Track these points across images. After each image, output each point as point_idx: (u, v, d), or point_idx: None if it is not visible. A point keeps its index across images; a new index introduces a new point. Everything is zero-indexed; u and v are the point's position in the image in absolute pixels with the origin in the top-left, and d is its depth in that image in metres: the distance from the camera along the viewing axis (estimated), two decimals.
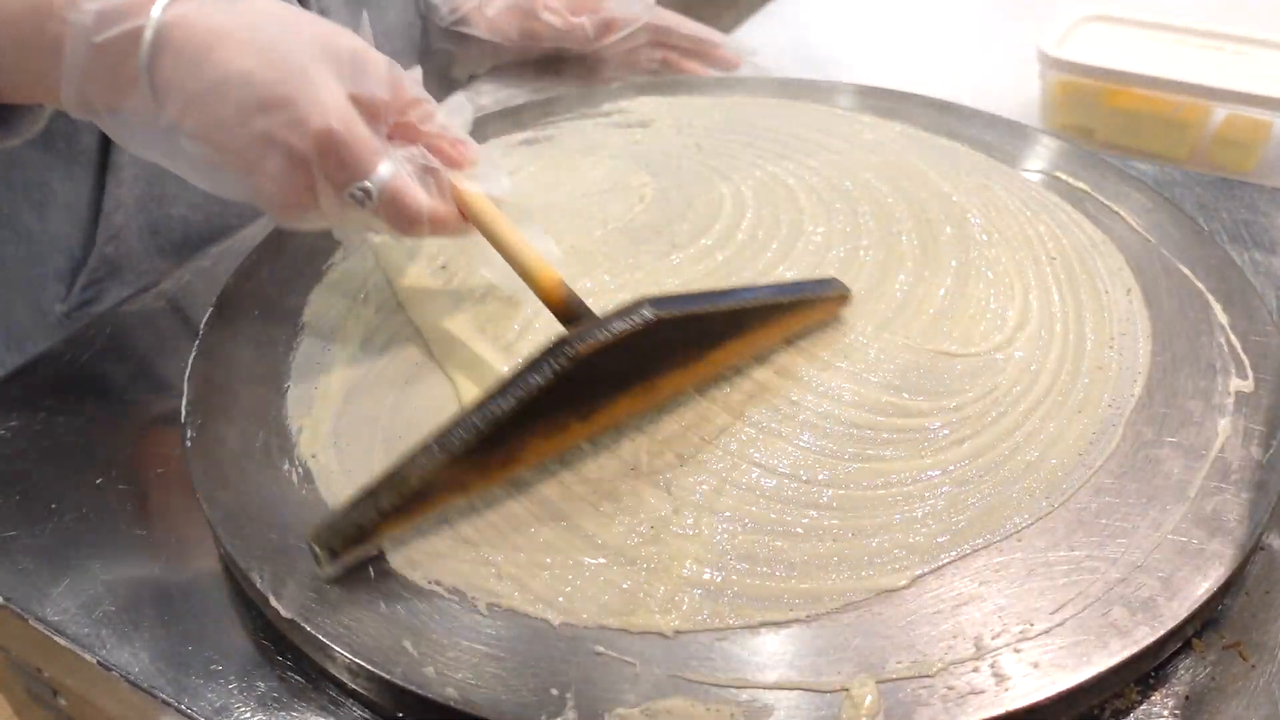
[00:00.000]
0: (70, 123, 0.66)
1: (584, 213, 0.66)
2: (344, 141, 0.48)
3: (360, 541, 0.43)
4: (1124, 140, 0.88)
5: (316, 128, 0.47)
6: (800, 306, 0.54)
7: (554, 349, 0.45)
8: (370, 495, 0.44)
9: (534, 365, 0.45)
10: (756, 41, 1.04)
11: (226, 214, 0.76)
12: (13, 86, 0.52)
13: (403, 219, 0.51)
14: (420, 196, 0.51)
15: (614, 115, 0.78)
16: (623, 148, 0.73)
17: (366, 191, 0.49)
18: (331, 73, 0.49)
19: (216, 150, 0.49)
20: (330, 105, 0.48)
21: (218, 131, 0.48)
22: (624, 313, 0.46)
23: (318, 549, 0.43)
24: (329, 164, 0.48)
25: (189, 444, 0.51)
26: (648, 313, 0.46)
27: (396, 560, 0.44)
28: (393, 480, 0.44)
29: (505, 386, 0.45)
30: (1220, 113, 0.84)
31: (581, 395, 0.47)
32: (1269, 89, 0.81)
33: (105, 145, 0.69)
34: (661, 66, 0.89)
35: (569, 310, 0.50)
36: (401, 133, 0.53)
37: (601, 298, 0.58)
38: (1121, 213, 0.63)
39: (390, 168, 0.50)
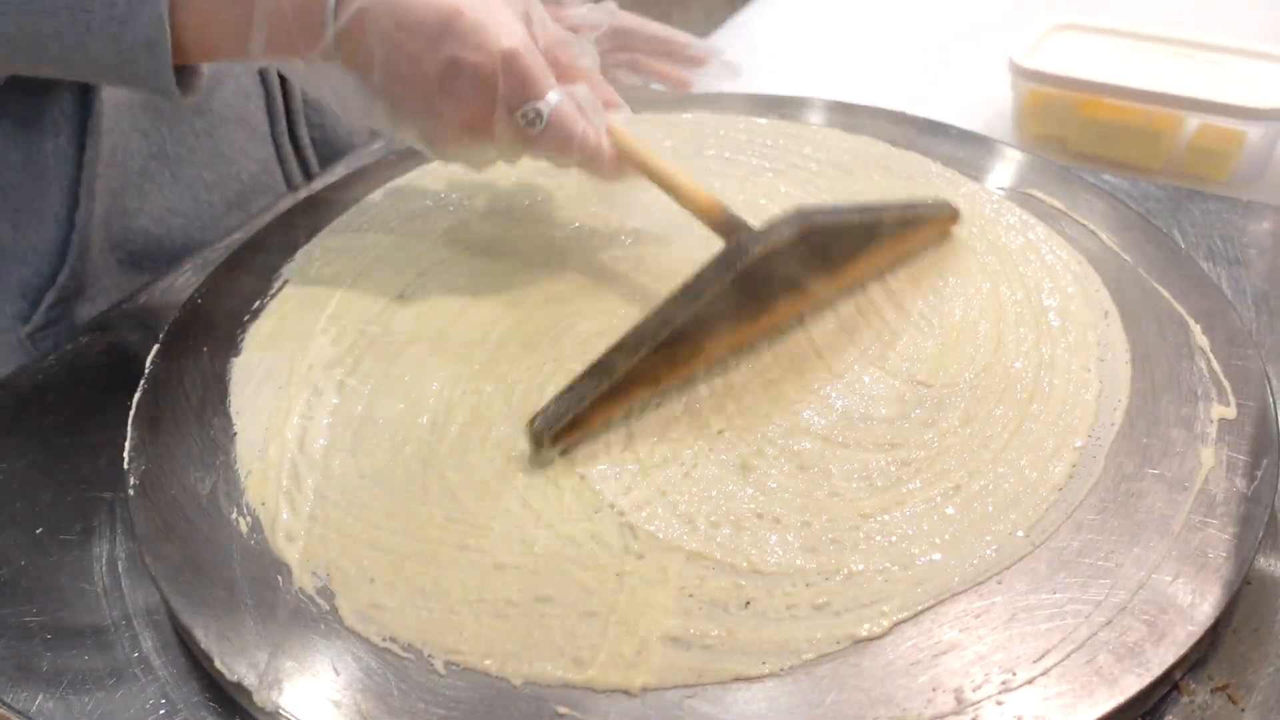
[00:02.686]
0: (54, 124, 0.65)
1: (553, 247, 0.64)
2: (525, 63, 0.52)
3: (569, 429, 0.48)
4: (1097, 150, 0.87)
5: (504, 47, 0.51)
6: (918, 224, 0.60)
7: (733, 252, 0.51)
8: (576, 388, 0.49)
9: (717, 265, 0.51)
10: (740, 40, 1.02)
11: (190, 227, 0.74)
12: (208, 41, 0.53)
13: (567, 145, 0.55)
14: (584, 124, 0.55)
15: None
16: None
17: (539, 113, 0.53)
18: (510, 6, 0.54)
19: (401, 83, 0.53)
20: (515, 29, 0.53)
21: (407, 64, 0.52)
22: (782, 222, 0.52)
23: (535, 439, 0.48)
24: (511, 82, 0.52)
25: (131, 491, 0.48)
26: (801, 220, 0.52)
27: (349, 617, 0.42)
28: (597, 371, 0.49)
29: (689, 286, 0.50)
30: (1193, 122, 0.83)
31: (750, 296, 0.52)
32: (1242, 98, 0.80)
33: (80, 154, 0.67)
34: (629, 69, 0.87)
35: (730, 226, 0.54)
36: (558, 70, 0.56)
37: (573, 336, 0.56)
38: (1097, 231, 0.61)
39: (559, 94, 0.54)
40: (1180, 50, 0.90)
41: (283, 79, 0.79)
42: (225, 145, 0.77)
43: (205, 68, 0.57)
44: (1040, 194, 0.65)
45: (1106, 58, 0.90)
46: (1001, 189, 0.67)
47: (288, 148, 0.82)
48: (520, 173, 0.71)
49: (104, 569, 0.49)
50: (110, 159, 0.68)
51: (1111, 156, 0.86)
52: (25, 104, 0.65)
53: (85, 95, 0.66)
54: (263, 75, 0.78)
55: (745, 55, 1.04)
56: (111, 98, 0.67)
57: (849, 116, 0.76)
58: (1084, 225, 0.62)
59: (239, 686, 0.40)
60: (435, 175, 0.71)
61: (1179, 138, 0.84)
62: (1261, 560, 0.46)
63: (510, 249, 0.63)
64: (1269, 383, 0.50)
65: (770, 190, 0.67)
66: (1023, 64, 0.87)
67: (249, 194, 0.79)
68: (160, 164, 0.73)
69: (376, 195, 0.70)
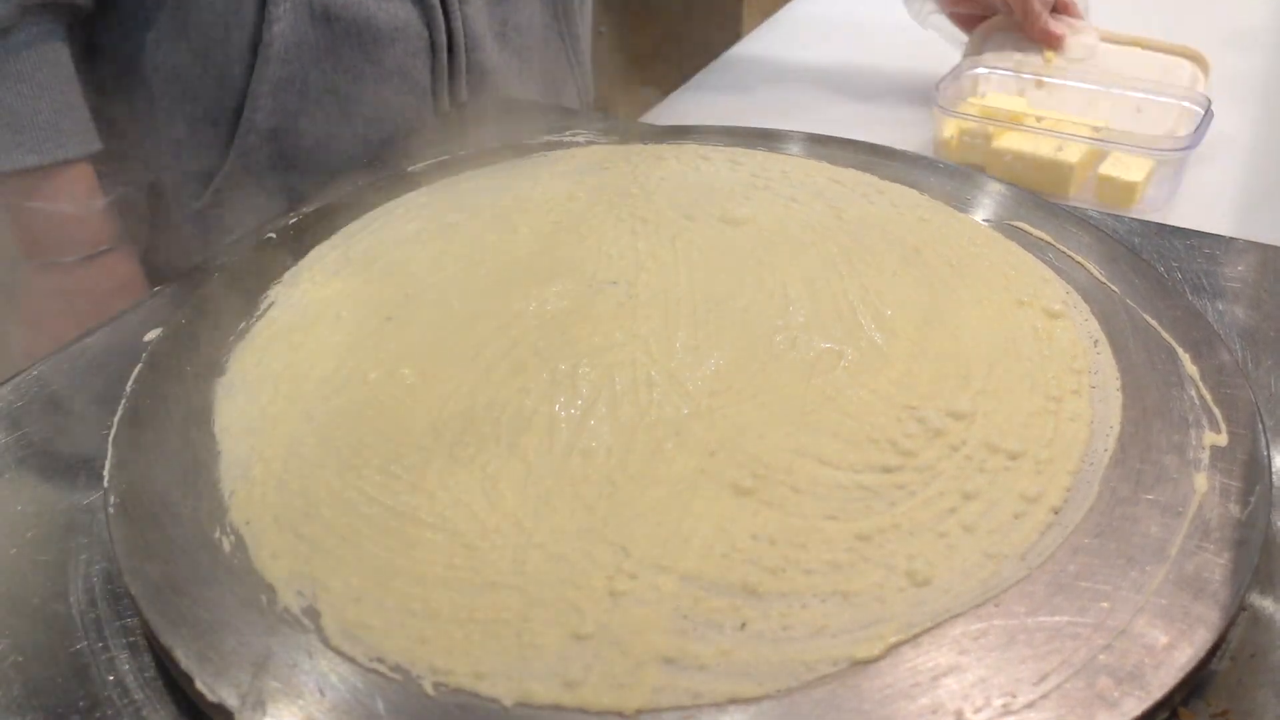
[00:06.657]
0: (232, 49, 0.81)
1: (541, 270, 0.64)
2: None
3: None
4: (1014, 180, 0.90)
5: None
6: None
7: None
8: None
9: None
10: (714, 88, 1.04)
11: (345, 153, 0.87)
12: None
13: None
14: None
15: (561, 164, 0.76)
16: (574, 197, 0.71)
17: None
18: None
19: None
20: None
21: None
22: None
23: None
24: None
25: (111, 510, 0.47)
26: None
27: (335, 636, 0.41)
28: None
29: None
30: (1103, 153, 0.86)
31: None
32: (1147, 129, 0.87)
33: (249, 76, 0.81)
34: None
35: None
36: None
37: (567, 345, 0.55)
38: (1084, 263, 0.62)
39: None
40: (1088, 85, 0.95)
41: (450, 43, 0.89)
42: (390, 94, 0.88)
43: None
44: (1027, 226, 0.66)
45: (1020, 93, 0.97)
46: (988, 220, 0.67)
47: (446, 104, 0.92)
48: (516, 188, 0.71)
49: (80, 590, 0.48)
50: (286, 85, 0.82)
51: (1027, 186, 0.89)
52: (210, 28, 0.80)
53: (258, 30, 0.80)
54: (431, 38, 0.87)
55: (733, 87, 1.06)
56: (285, 36, 0.80)
57: (837, 150, 0.76)
58: (1071, 257, 0.63)
59: (220, 708, 0.39)
60: (421, 201, 0.71)
61: (1090, 168, 0.87)
62: (1256, 586, 0.46)
63: (501, 269, 0.63)
64: (1259, 410, 0.50)
65: (758, 224, 0.67)
66: (943, 98, 0.90)
67: (404, 136, 0.88)
68: (332, 99, 0.85)
69: (363, 220, 0.70)
